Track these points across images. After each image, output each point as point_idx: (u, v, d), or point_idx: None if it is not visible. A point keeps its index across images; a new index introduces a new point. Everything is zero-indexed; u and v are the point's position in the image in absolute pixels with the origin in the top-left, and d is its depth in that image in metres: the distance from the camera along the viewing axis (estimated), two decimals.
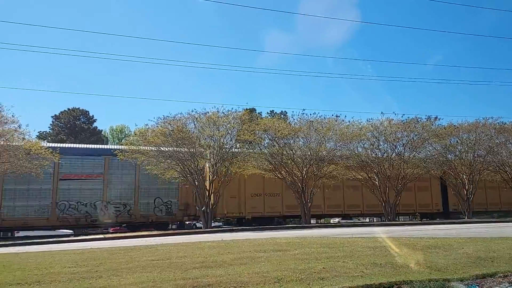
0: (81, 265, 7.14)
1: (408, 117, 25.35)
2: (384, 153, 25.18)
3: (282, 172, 23.54)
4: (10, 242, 15.89)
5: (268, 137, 23.65)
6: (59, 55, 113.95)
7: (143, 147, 21.87)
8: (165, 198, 24.76)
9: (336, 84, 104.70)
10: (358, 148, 25.23)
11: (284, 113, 47.02)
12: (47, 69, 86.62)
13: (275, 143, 23.45)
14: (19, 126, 19.18)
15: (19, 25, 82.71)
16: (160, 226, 24.25)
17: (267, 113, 53.48)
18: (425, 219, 28.64)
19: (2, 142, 18.35)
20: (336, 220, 31.74)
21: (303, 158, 23.54)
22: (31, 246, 14.11)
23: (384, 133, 24.73)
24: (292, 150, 23.60)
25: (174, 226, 26.08)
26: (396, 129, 24.72)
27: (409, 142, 24.87)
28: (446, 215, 29.28)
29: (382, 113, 26.40)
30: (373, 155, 25.17)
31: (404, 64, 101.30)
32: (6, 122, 18.63)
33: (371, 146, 25.11)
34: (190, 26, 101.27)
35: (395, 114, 26.56)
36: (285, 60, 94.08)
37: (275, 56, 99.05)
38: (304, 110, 32.77)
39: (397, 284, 5.36)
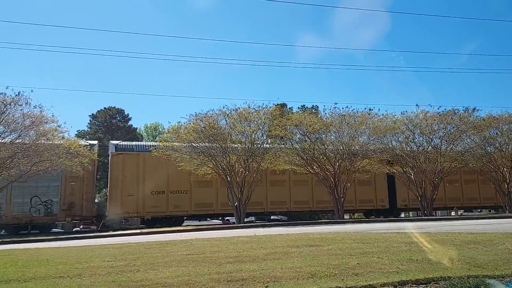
0: (119, 259, 7.37)
1: (445, 109, 24.60)
2: (419, 146, 24.54)
3: (314, 167, 23.39)
4: (52, 237, 16.62)
5: (299, 132, 23.55)
6: (95, 55, 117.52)
7: (176, 143, 22.27)
8: (44, 197, 22.12)
9: (368, 77, 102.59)
10: (392, 142, 24.73)
11: (315, 108, 46.69)
12: (84, 70, 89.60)
13: (306, 138, 23.32)
14: (58, 125, 20.02)
15: (56, 28, 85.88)
16: (41, 228, 22.28)
17: (298, 108, 53.19)
18: (373, 216, 28.07)
19: (43, 141, 19.15)
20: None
21: (335, 152, 23.29)
22: (72, 240, 14.71)
23: (420, 126, 24.09)
24: (324, 145, 23.39)
25: (58, 229, 24.66)
26: (432, 121, 24.03)
27: (446, 134, 24.12)
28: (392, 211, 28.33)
29: (417, 105, 25.67)
30: (408, 148, 24.58)
31: (437, 54, 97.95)
32: (47, 121, 19.45)
33: (406, 140, 24.53)
34: (220, 23, 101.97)
35: (431, 106, 25.69)
36: (316, 55, 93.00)
37: (306, 51, 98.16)
38: (336, 104, 32.36)
39: (434, 281, 5.23)
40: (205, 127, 21.51)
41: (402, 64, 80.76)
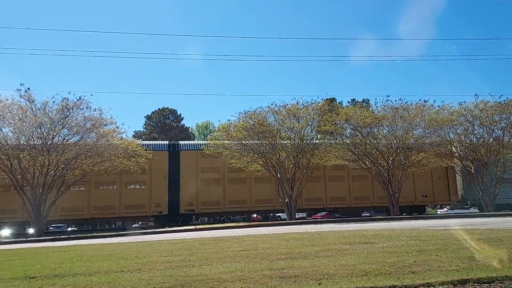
0: (175, 255, 7.63)
1: (507, 98, 23.05)
2: (479, 138, 23.21)
3: (366, 162, 22.85)
4: (114, 233, 17.53)
5: (350, 126, 23.10)
6: (148, 59, 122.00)
7: (227, 141, 22.64)
8: None
9: (419, 69, 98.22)
10: (450, 134, 23.58)
11: (366, 101, 45.45)
12: (139, 73, 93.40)
13: (357, 133, 22.82)
14: (117, 126, 21.08)
15: (111, 34, 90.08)
16: None
17: (348, 102, 52.11)
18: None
19: (103, 142, 20.24)
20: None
21: (388, 147, 22.62)
22: (131, 236, 15.42)
23: (479, 117, 22.76)
24: (376, 139, 22.78)
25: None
26: (492, 112, 22.63)
27: (509, 125, 22.60)
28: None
29: (476, 95, 24.34)
30: (467, 141, 23.33)
31: (492, 42, 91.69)
32: (106, 123, 20.56)
33: (465, 132, 23.30)
34: (269, 19, 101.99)
35: (491, 95, 24.27)
36: (365, 48, 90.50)
37: (354, 44, 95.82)
38: (388, 97, 31.45)
39: (498, 280, 4.93)
40: (254, 124, 21.68)
41: (455, 53, 76.50)
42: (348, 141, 23.10)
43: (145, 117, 60.15)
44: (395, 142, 22.58)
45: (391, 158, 22.54)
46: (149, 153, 21.40)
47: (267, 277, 5.34)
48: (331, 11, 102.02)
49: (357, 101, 49.46)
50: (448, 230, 10.33)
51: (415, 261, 6.01)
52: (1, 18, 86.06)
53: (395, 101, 23.14)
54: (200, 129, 65.11)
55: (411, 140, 22.78)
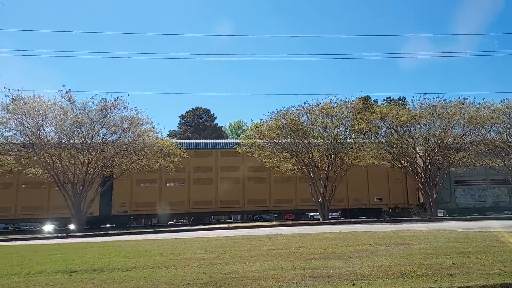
0: (209, 252, 7.74)
1: None
2: None
3: (402, 161, 22.29)
4: (150, 230, 17.98)
5: (385, 125, 22.61)
6: (182, 59, 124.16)
7: (259, 140, 22.69)
8: None
9: (458, 65, 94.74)
10: (491, 133, 22.61)
11: (402, 99, 44.30)
12: (174, 73, 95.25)
13: (393, 131, 22.31)
14: (152, 126, 21.59)
15: (147, 36, 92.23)
16: None
17: (383, 100, 50.97)
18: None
19: (139, 141, 20.78)
20: None
21: (425, 146, 21.95)
22: (167, 233, 15.75)
23: None
24: (413, 138, 22.20)
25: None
26: None
27: None
28: None
29: None
30: (510, 139, 22.29)
31: None
32: (142, 123, 21.07)
33: (507, 130, 22.27)
34: (304, 16, 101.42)
35: None
36: (400, 44, 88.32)
37: (390, 41, 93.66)
38: (425, 94, 30.58)
39: None
40: (286, 123, 21.61)
41: (497, 48, 73.08)
42: (383, 140, 22.62)
43: (179, 116, 61.25)
44: (432, 141, 21.93)
45: (428, 158, 21.89)
46: (183, 152, 21.74)
47: (300, 276, 5.32)
48: (368, 9, 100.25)
49: (393, 99, 48.30)
50: (489, 232, 9.93)
51: (453, 263, 5.82)
52: (45, 21, 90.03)
53: (433, 98, 22.47)
54: (233, 128, 65.62)
55: (449, 139, 22.04)
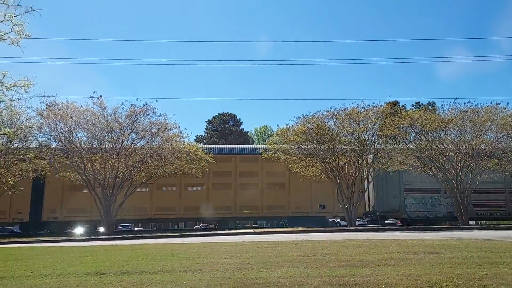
0: (235, 257, 7.76)
1: None
2: None
3: (432, 168, 21.74)
4: (177, 234, 18.20)
5: (414, 131, 22.13)
6: (209, 65, 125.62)
7: (285, 145, 22.65)
8: None
9: (490, 68, 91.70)
10: None
11: (432, 104, 43.23)
12: (201, 79, 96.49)
13: (422, 137, 21.81)
14: (180, 131, 21.94)
15: (175, 43, 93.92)
16: None
17: (412, 105, 49.86)
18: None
19: (167, 146, 21.14)
20: None
21: (456, 152, 21.36)
22: (193, 238, 15.91)
23: None
24: (443, 144, 21.63)
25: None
26: None
27: None
28: None
29: None
30: None
31: None
32: (170, 128, 21.47)
33: None
34: (336, 22, 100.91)
35: None
36: (430, 47, 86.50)
37: (420, 44, 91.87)
38: (456, 99, 29.77)
39: None
40: (312, 128, 21.49)
41: None
42: (412, 146, 22.15)
43: (206, 121, 61.87)
44: (464, 147, 21.30)
45: (459, 164, 21.28)
46: (210, 157, 21.94)
47: (326, 283, 5.26)
48: (396, 14, 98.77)
49: (422, 104, 47.24)
50: None
51: (486, 274, 5.62)
52: (76, 28, 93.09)
53: (464, 104, 21.86)
54: (259, 133, 65.72)
55: (481, 145, 21.36)
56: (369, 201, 26.07)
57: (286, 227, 22.25)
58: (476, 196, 23.34)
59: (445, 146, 21.73)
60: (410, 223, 24.42)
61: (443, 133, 21.96)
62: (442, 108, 22.93)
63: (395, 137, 22.10)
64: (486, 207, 25.04)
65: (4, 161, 18.76)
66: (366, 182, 23.83)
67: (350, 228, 19.58)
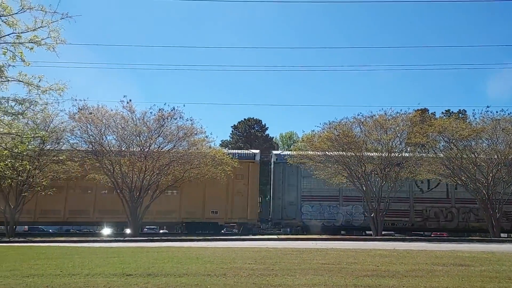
0: (259, 263, 7.77)
1: None
2: None
3: (462, 177, 21.13)
4: (201, 237, 18.34)
5: (443, 139, 21.59)
6: (236, 71, 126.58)
7: (310, 152, 22.50)
8: None
9: None
10: None
11: (462, 112, 42.10)
12: (227, 84, 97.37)
13: (452, 146, 21.24)
14: (206, 136, 22.17)
15: (203, 48, 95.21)
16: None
17: (442, 113, 48.62)
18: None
19: (193, 150, 21.37)
20: None
21: (488, 162, 20.69)
22: (217, 242, 15.99)
23: None
24: (473, 153, 21.00)
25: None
26: None
27: None
28: None
29: None
30: None
31: None
32: (196, 133, 21.72)
33: None
34: (364, 29, 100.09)
35: None
36: (459, 55, 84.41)
37: (447, 52, 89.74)
38: (488, 107, 28.89)
39: None
40: (339, 135, 21.28)
41: None
42: (441, 154, 21.61)
43: (231, 126, 62.26)
44: (496, 157, 20.62)
45: (491, 174, 20.60)
46: (235, 162, 22.02)
47: None
48: (424, 19, 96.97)
49: (452, 112, 46.06)
50: None
51: None
52: (106, 33, 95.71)
53: (496, 112, 21.21)
54: (284, 139, 65.57)
55: None
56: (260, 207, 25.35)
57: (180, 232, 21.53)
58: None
59: (476, 155, 21.10)
60: (306, 232, 23.83)
61: (474, 142, 21.34)
62: (473, 116, 22.32)
63: (424, 145, 21.62)
64: (394, 217, 24.16)
65: (38, 162, 19.42)
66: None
67: (376, 237, 19.24)
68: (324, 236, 19.68)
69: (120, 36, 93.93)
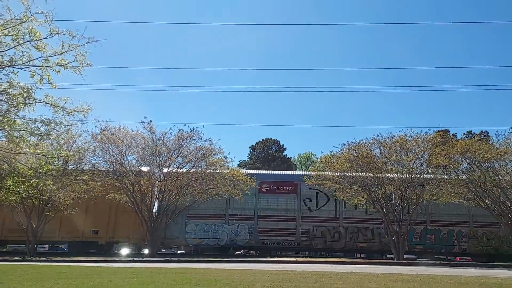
0: (277, 286, 7.66)
1: None
2: None
3: (486, 200, 20.56)
4: (219, 259, 18.22)
5: (466, 161, 21.12)
6: (252, 92, 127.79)
7: (329, 173, 22.32)
8: None
9: None
10: None
11: (485, 134, 41.33)
12: (245, 105, 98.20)
13: (475, 168, 20.76)
14: (224, 156, 22.29)
15: (223, 70, 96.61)
16: None
17: (464, 134, 47.83)
18: None
19: (211, 170, 21.48)
20: None
21: None
22: (234, 264, 15.88)
23: None
24: (497, 176, 20.45)
25: None
26: None
27: None
28: None
29: None
30: None
31: None
32: (215, 153, 21.86)
33: None
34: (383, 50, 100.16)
35: None
36: (479, 73, 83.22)
37: (468, 71, 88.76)
38: (511, 128, 28.22)
39: None
40: (357, 156, 21.08)
41: None
42: (464, 176, 21.12)
43: (249, 147, 62.44)
44: None
45: None
46: (253, 182, 22.01)
47: None
48: (448, 38, 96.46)
49: (474, 133, 45.22)
50: None
51: None
52: (126, 56, 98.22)
53: None
54: (302, 159, 65.31)
55: None
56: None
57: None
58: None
59: (500, 177, 20.54)
60: (193, 251, 23.67)
61: (497, 164, 20.81)
62: (496, 137, 21.86)
63: (446, 167, 21.19)
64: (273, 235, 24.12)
65: (61, 182, 19.83)
66: None
67: (398, 261, 18.77)
68: (344, 260, 19.30)
69: (138, 58, 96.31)
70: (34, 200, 19.42)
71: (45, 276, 9.35)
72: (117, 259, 18.29)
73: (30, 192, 17.33)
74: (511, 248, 22.99)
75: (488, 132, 41.62)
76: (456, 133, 45.93)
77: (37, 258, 18.25)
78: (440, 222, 24.17)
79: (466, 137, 42.17)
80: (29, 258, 17.85)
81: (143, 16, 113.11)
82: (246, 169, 34.30)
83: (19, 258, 17.83)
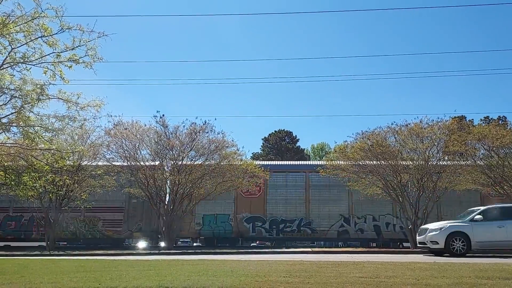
0: (294, 276, 7.63)
1: None
2: None
3: (505, 187, 20.17)
4: (235, 250, 18.31)
5: (483, 147, 20.72)
6: (266, 83, 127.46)
7: (343, 162, 22.12)
8: None
9: None
10: None
11: (502, 119, 40.52)
12: (258, 97, 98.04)
13: (493, 154, 20.36)
14: (237, 149, 22.27)
15: (237, 62, 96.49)
16: None
17: (481, 120, 46.98)
18: None
19: (225, 163, 21.51)
20: None
21: None
22: (250, 255, 15.93)
23: None
24: None
25: None
26: None
27: None
28: None
29: None
30: None
31: None
32: (228, 146, 21.85)
33: None
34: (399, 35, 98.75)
35: None
36: (495, 57, 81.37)
37: (485, 55, 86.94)
38: None
39: None
40: (372, 145, 20.83)
41: None
42: (481, 163, 20.73)
43: (262, 139, 62.36)
44: None
45: None
46: (267, 174, 21.97)
47: None
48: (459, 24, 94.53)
49: (492, 118, 44.35)
50: None
51: None
52: (138, 52, 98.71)
53: None
54: (316, 150, 65.05)
55: None
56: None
57: None
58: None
59: None
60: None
61: None
62: None
63: (462, 153, 20.82)
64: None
65: (77, 177, 20.10)
66: None
67: (414, 249, 18.59)
68: (359, 249, 19.21)
69: (153, 51, 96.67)
70: (51, 195, 19.74)
71: (64, 270, 9.49)
72: (134, 252, 18.51)
73: (46, 187, 17.61)
74: None
75: (506, 117, 40.86)
76: (472, 119, 45.18)
77: (56, 252, 18.60)
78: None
79: (483, 122, 41.47)
80: (48, 253, 18.20)
81: (152, 10, 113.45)
82: (259, 161, 34.21)
83: (39, 253, 18.19)
